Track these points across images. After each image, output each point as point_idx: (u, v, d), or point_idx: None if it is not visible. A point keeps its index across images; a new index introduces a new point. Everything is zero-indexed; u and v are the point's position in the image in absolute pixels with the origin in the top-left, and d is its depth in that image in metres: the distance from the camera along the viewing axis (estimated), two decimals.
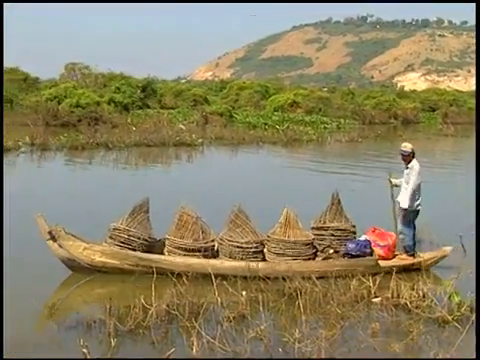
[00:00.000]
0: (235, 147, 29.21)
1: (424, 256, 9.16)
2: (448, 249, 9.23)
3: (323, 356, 5.92)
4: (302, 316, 6.71)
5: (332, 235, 8.97)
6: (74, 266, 8.51)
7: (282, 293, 7.63)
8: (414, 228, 9.31)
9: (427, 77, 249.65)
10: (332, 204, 9.17)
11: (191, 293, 7.23)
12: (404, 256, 9.20)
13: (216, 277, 7.62)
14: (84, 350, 5.69)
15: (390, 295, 7.55)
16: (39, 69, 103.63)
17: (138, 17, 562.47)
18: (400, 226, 9.32)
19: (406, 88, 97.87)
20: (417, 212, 9.32)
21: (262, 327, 6.43)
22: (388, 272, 8.16)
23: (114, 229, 8.59)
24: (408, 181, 9.24)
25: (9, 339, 6.01)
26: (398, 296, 7.52)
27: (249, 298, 7.33)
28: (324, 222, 9.09)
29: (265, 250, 8.74)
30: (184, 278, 7.56)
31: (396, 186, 9.51)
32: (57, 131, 31.03)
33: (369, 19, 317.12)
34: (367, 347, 6.24)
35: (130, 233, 8.51)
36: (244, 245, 8.56)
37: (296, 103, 51.44)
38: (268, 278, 8.02)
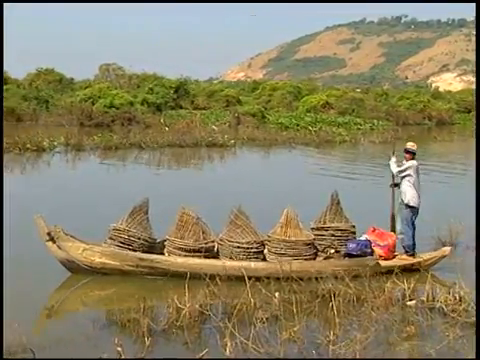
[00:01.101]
0: (267, 148, 29.17)
1: (424, 256, 9.19)
2: (447, 249, 9.27)
3: (357, 358, 5.86)
4: (336, 318, 6.65)
5: (332, 235, 8.96)
6: (73, 267, 8.43)
7: (315, 295, 7.57)
8: (413, 228, 9.34)
9: (463, 77, 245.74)
10: (332, 204, 9.16)
11: (224, 294, 7.24)
12: (404, 256, 9.24)
13: (214, 277, 7.58)
14: (119, 349, 5.72)
15: (425, 298, 7.45)
16: (74, 70, 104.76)
17: (171, 17, 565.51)
18: (400, 225, 9.36)
19: (441, 89, 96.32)
20: (417, 211, 9.38)
21: (295, 329, 6.40)
22: (389, 272, 8.19)
23: (114, 229, 8.52)
24: (410, 179, 9.33)
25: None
26: (433, 299, 7.42)
27: (282, 299, 7.31)
28: (324, 222, 9.08)
29: (265, 250, 8.70)
30: (217, 279, 7.55)
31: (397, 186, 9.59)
32: (91, 131, 31.41)
33: (403, 19, 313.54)
34: (402, 350, 6.17)
35: (130, 233, 8.45)
36: (245, 245, 8.51)
37: (329, 104, 51.16)
38: (301, 279, 7.96)
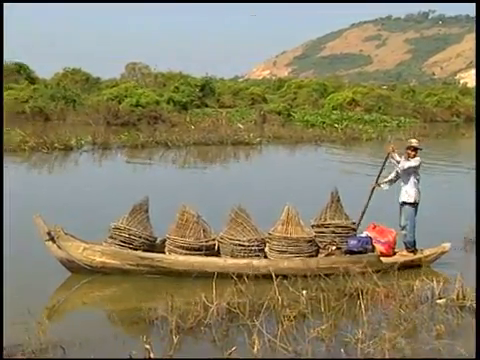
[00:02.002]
0: (293, 146, 29.09)
1: (424, 252, 9.16)
2: (447, 245, 9.20)
3: (387, 357, 5.81)
4: (364, 316, 6.61)
5: (333, 232, 8.93)
6: (73, 267, 8.34)
7: (343, 293, 7.52)
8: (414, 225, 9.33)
9: None
10: (332, 201, 9.12)
11: (251, 291, 7.22)
12: (405, 252, 9.24)
13: (216, 276, 7.56)
14: (147, 346, 5.75)
15: (455, 297, 7.36)
16: (100, 70, 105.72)
17: (194, 16, 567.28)
18: (404, 221, 9.33)
19: (469, 85, 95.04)
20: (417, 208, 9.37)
21: (323, 327, 6.38)
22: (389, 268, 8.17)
23: (114, 228, 8.45)
24: (410, 175, 9.31)
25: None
26: (464, 298, 7.33)
27: (310, 297, 7.28)
28: (325, 219, 9.05)
29: (266, 248, 8.65)
30: (245, 277, 7.54)
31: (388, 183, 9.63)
32: (118, 130, 31.62)
33: (431, 15, 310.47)
34: (432, 349, 6.10)
35: (131, 232, 8.39)
36: (246, 243, 8.46)
37: (355, 101, 50.83)
38: (327, 275, 7.92)
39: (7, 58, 50.53)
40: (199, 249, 8.43)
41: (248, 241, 8.47)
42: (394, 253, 9.17)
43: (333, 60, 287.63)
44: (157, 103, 42.43)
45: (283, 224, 8.64)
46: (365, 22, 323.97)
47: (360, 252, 8.73)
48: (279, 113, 42.73)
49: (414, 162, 9.32)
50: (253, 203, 9.23)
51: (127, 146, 25.70)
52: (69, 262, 8.34)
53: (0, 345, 5.26)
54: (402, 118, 45.81)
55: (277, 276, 7.58)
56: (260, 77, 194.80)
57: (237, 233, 8.54)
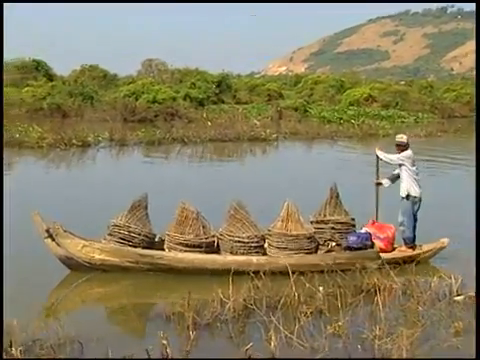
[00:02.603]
0: (310, 142, 29.00)
1: (422, 248, 9.12)
2: (446, 241, 9.15)
3: (404, 355, 5.77)
4: (381, 313, 6.58)
5: (332, 228, 8.91)
6: (72, 264, 8.27)
7: (360, 289, 7.49)
8: (415, 220, 9.26)
9: None
10: (331, 197, 9.09)
11: (268, 287, 7.22)
12: (403, 248, 9.20)
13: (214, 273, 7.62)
14: (164, 341, 5.77)
15: (474, 293, 7.29)
16: (117, 66, 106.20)
17: (210, 14, 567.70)
18: (401, 217, 9.29)
19: None
20: (416, 203, 9.27)
21: (340, 323, 6.35)
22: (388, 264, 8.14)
23: (114, 225, 8.38)
24: (407, 169, 9.27)
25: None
26: None
27: (326, 293, 7.26)
28: (324, 215, 9.02)
29: (266, 245, 8.61)
30: (261, 273, 7.53)
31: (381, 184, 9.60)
32: (135, 126, 31.75)
33: (449, 10, 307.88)
34: (449, 347, 6.05)
35: (130, 229, 8.32)
36: (246, 240, 8.42)
37: (372, 97, 50.53)
38: (343, 271, 7.87)
39: (27, 55, 51.07)
40: (199, 246, 8.39)
41: (248, 238, 8.45)
42: (393, 249, 9.17)
43: (350, 56, 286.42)
44: (174, 99, 42.51)
45: (283, 220, 8.60)
46: (383, 17, 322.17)
47: (360, 248, 8.74)
48: (296, 109, 42.64)
49: (401, 155, 9.30)
50: (268, 199, 9.18)
51: (144, 142, 25.80)
52: (68, 259, 8.26)
53: (0, 345, 5.24)
54: (420, 114, 45.44)
55: (274, 273, 7.62)
56: (276, 73, 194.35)
57: (236, 230, 8.52)
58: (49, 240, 8.25)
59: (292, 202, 8.67)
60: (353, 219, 9.13)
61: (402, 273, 8.06)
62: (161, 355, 5.75)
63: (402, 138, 9.53)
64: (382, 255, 8.73)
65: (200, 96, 46.25)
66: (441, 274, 8.00)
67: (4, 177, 13.89)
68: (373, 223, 9.25)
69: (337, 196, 9.12)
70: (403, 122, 41.38)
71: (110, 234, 8.41)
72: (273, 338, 5.95)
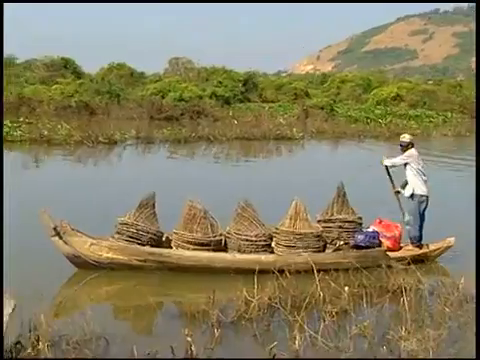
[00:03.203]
0: (336, 141, 28.85)
1: (430, 247, 9.09)
2: (452, 240, 9.10)
3: (431, 356, 5.71)
4: (407, 314, 6.51)
5: (340, 227, 8.89)
6: (80, 263, 8.20)
7: (385, 289, 7.44)
8: (423, 219, 9.23)
9: None
10: (338, 196, 9.07)
11: (293, 287, 7.19)
12: (410, 247, 9.18)
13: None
14: (188, 339, 5.77)
15: None
16: (144, 64, 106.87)
17: (237, 12, 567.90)
18: (407, 216, 9.27)
19: None
20: (424, 201, 9.22)
21: (365, 323, 6.30)
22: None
23: (122, 224, 8.33)
24: (411, 169, 9.26)
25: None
26: None
27: (352, 293, 7.21)
28: (331, 214, 9.00)
29: (273, 243, 8.57)
30: (286, 272, 7.50)
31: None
32: (161, 124, 31.90)
33: None
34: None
35: (138, 227, 8.29)
36: (253, 238, 8.39)
37: (400, 96, 50.10)
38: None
39: (55, 53, 51.59)
40: (207, 244, 8.37)
41: (255, 236, 8.44)
42: (400, 248, 9.14)
43: (378, 54, 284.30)
44: (200, 98, 42.62)
45: (291, 219, 8.58)
46: (411, 16, 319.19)
47: (367, 247, 8.73)
48: (322, 108, 42.40)
49: (404, 155, 9.34)
50: (288, 198, 9.09)
51: (170, 141, 25.90)
52: (75, 257, 8.20)
53: (0, 345, 5.25)
54: (448, 113, 44.95)
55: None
56: (303, 72, 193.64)
57: (244, 228, 8.51)
58: (56, 238, 8.18)
59: (300, 201, 8.65)
60: (360, 218, 9.12)
61: (429, 273, 7.98)
62: (186, 353, 5.76)
63: (404, 138, 9.57)
64: (390, 254, 8.72)
65: (226, 94, 46.28)
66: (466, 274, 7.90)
67: (32, 173, 14.01)
68: (380, 222, 9.24)
69: (344, 195, 9.12)
70: (431, 122, 40.91)
71: (118, 232, 8.38)
72: (297, 337, 5.92)
